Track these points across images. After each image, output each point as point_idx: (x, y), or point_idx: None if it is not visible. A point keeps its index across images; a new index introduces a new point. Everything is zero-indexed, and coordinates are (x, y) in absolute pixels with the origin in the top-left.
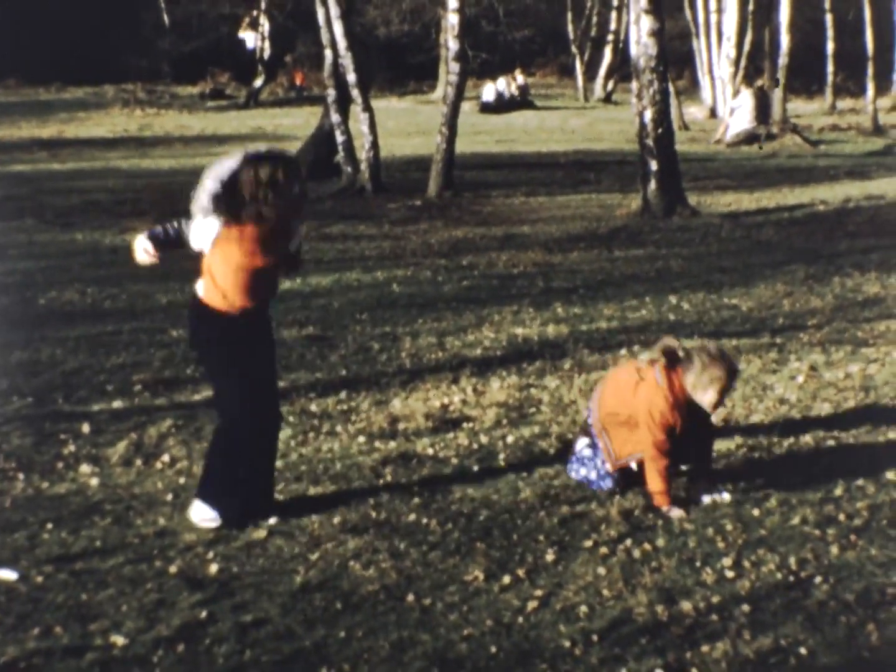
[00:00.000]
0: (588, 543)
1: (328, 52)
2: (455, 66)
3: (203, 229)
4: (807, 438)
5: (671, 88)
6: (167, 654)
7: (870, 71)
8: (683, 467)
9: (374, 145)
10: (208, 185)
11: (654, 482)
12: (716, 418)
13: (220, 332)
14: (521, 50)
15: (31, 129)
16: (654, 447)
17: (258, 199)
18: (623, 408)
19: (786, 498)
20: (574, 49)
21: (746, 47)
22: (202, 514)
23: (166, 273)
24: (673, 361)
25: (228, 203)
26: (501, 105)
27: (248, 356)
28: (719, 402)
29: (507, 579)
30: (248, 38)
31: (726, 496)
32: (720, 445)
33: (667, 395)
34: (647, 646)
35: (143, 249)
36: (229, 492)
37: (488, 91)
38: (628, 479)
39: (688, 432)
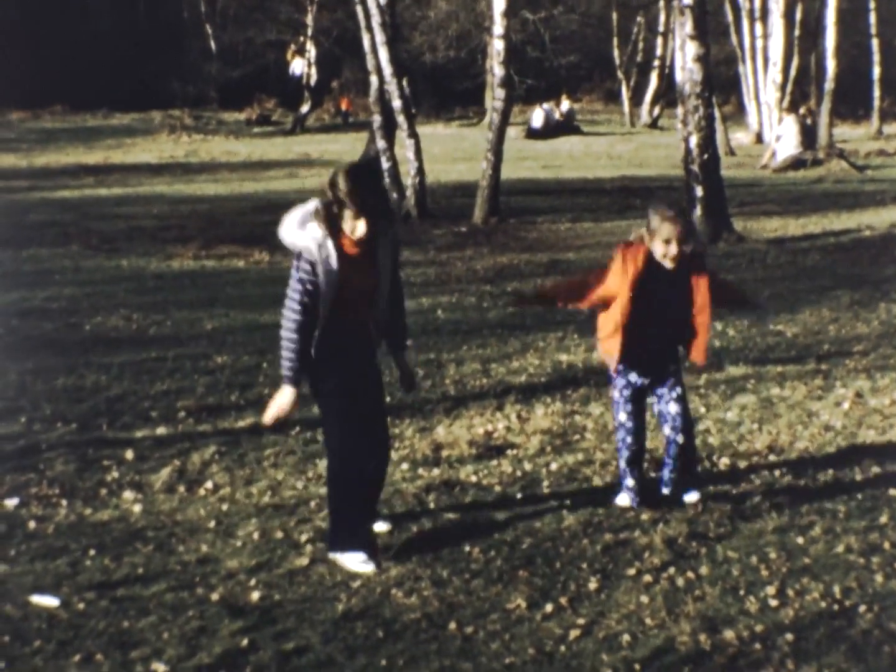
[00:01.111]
0: (631, 571)
1: (374, 79)
2: (500, 92)
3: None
4: (852, 466)
5: (717, 114)
6: None
7: None
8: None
9: (420, 171)
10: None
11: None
12: (669, 263)
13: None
14: (567, 75)
15: (77, 155)
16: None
17: (348, 208)
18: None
19: (830, 526)
20: (620, 74)
21: (792, 72)
22: (357, 560)
23: (212, 299)
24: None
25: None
26: (548, 130)
27: (349, 383)
28: (667, 254)
29: (549, 607)
30: (296, 64)
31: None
32: (767, 468)
33: (620, 248)
34: None
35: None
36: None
37: (536, 116)
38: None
39: (662, 299)
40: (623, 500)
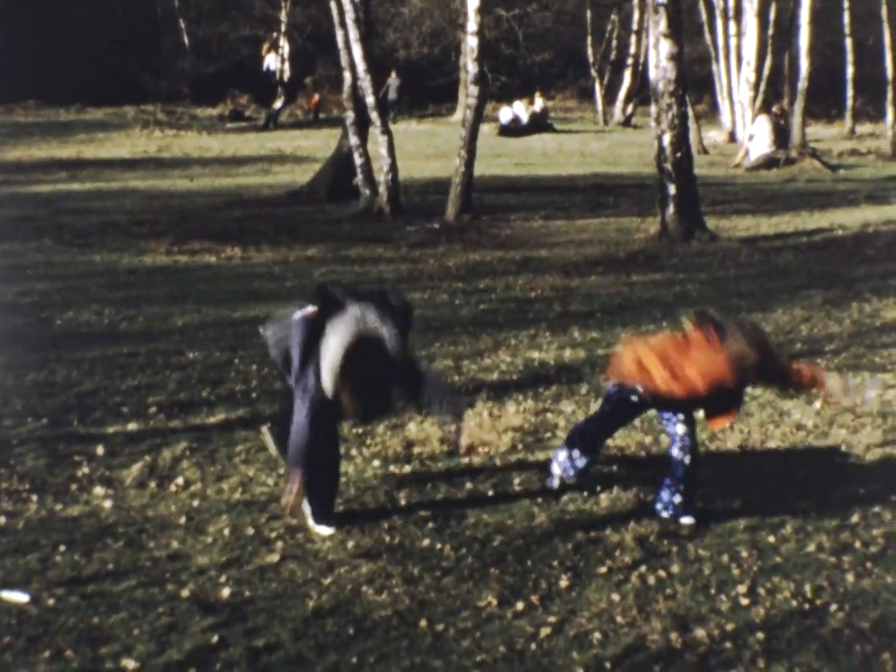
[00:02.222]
0: (602, 570)
1: (347, 75)
2: (474, 89)
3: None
4: (823, 465)
5: (690, 112)
6: None
7: (889, 95)
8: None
9: (393, 168)
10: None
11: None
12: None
13: None
14: (540, 73)
15: (50, 150)
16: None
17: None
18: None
19: (802, 525)
20: (594, 72)
21: (766, 71)
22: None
23: (184, 294)
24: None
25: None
26: (518, 129)
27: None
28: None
29: (520, 605)
30: (270, 60)
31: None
32: (738, 467)
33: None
34: None
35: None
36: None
37: (504, 114)
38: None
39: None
40: (559, 469)
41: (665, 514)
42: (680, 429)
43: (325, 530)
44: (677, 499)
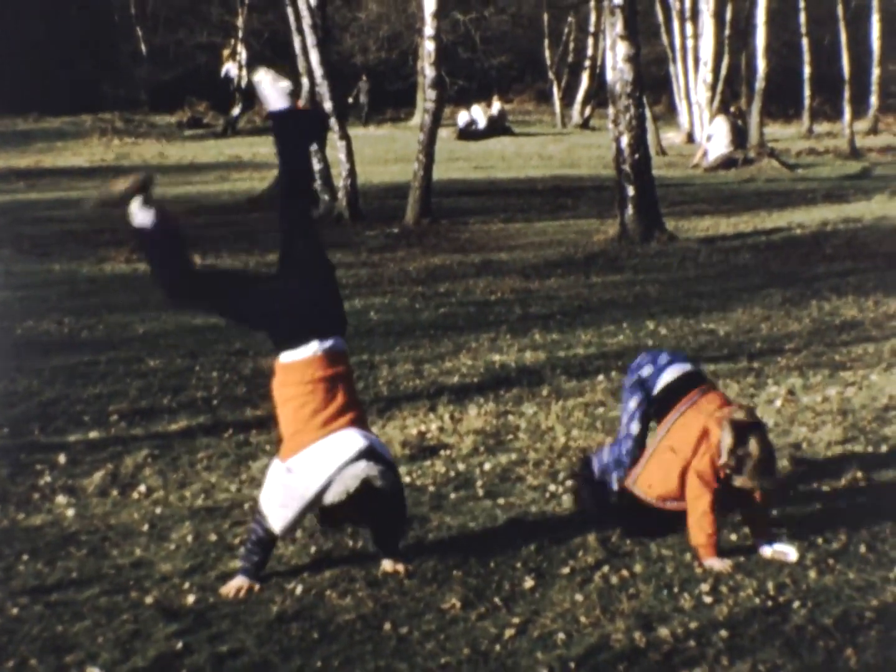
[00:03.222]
0: (565, 570)
1: (304, 81)
2: (431, 93)
3: None
4: (784, 463)
5: (648, 114)
6: None
7: (846, 95)
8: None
9: (352, 173)
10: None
11: (698, 535)
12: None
13: None
14: (498, 76)
15: (8, 160)
16: (702, 501)
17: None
18: (682, 447)
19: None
20: (551, 75)
21: (723, 72)
22: None
23: (144, 302)
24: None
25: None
26: (476, 132)
27: None
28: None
29: (484, 607)
30: (230, 67)
31: (792, 555)
32: None
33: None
34: None
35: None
36: None
37: (461, 117)
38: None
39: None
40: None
41: None
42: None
43: None
44: None
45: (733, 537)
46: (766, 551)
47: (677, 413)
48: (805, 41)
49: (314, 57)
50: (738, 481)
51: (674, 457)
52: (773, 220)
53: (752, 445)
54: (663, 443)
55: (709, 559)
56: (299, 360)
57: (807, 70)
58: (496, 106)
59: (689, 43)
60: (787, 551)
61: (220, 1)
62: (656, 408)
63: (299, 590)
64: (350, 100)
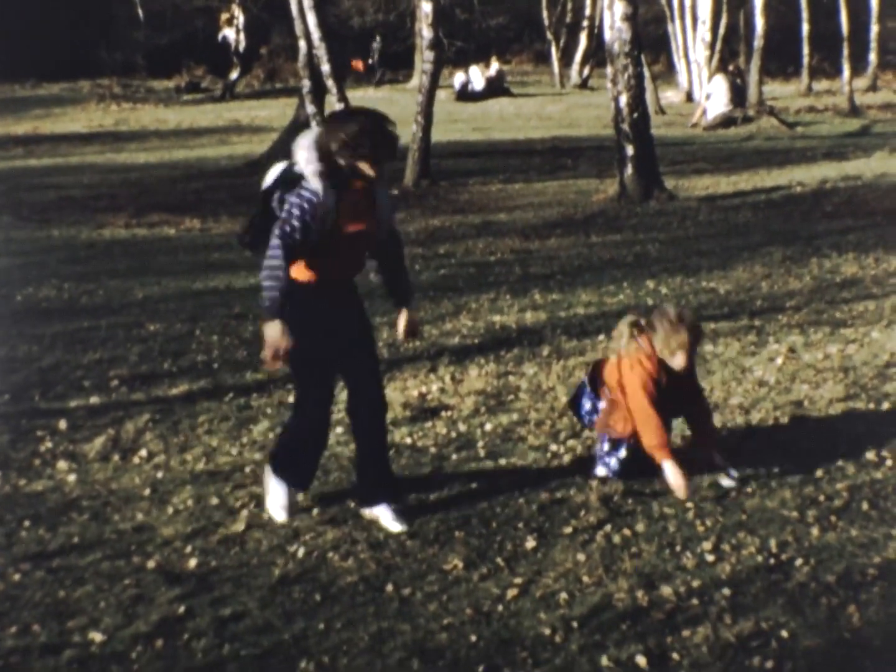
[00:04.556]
0: (567, 530)
1: (302, 43)
2: (429, 55)
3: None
4: (786, 420)
5: (646, 73)
6: (145, 650)
7: (845, 52)
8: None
9: None
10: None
11: (649, 436)
12: (679, 369)
13: (303, 307)
14: (496, 37)
15: (6, 126)
16: (641, 407)
17: (347, 156)
18: (611, 385)
19: (765, 480)
20: (549, 35)
21: (721, 30)
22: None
23: (143, 267)
24: (640, 331)
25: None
26: (475, 94)
27: (325, 336)
28: (688, 364)
29: (486, 568)
30: (227, 32)
31: (730, 480)
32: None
33: (647, 354)
34: (628, 632)
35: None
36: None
37: (457, 79)
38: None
39: (672, 393)
40: (602, 471)
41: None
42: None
43: (274, 493)
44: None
45: (735, 495)
46: (723, 481)
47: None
48: None
49: (311, 19)
50: (674, 361)
51: (613, 397)
52: (772, 179)
53: (660, 314)
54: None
55: (666, 460)
56: None
57: (805, 27)
58: (494, 67)
59: (687, 1)
60: (730, 477)
61: None
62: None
63: (301, 552)
64: (370, 61)
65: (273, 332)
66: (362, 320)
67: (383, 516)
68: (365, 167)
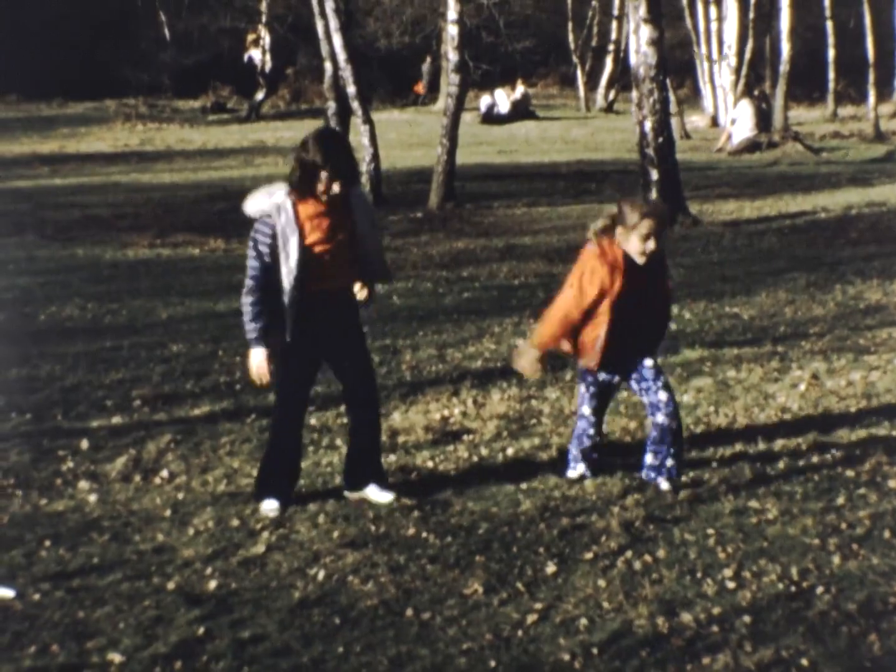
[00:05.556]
0: (588, 555)
1: (328, 65)
2: (455, 78)
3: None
4: (808, 447)
5: (672, 97)
6: None
7: (871, 78)
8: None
9: (375, 157)
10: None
11: (542, 328)
12: (641, 259)
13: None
14: (522, 60)
15: (32, 145)
16: (561, 299)
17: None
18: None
19: (787, 507)
20: (575, 59)
21: (747, 55)
22: (267, 506)
23: (167, 287)
24: (610, 226)
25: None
26: (500, 116)
27: (310, 346)
28: (645, 251)
29: (506, 592)
30: (254, 52)
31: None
32: (723, 451)
33: (594, 251)
34: (648, 658)
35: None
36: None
37: (483, 101)
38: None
39: (638, 290)
40: (576, 472)
41: (657, 478)
42: (662, 395)
43: (264, 507)
44: (669, 462)
45: (757, 522)
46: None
47: None
48: (829, 24)
49: (337, 41)
50: (640, 248)
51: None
52: (797, 204)
53: (628, 202)
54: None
55: (533, 347)
56: None
57: (831, 53)
58: (520, 90)
59: (713, 26)
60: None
61: None
62: None
63: (321, 575)
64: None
65: (256, 360)
66: (353, 326)
67: (371, 493)
68: (332, 186)
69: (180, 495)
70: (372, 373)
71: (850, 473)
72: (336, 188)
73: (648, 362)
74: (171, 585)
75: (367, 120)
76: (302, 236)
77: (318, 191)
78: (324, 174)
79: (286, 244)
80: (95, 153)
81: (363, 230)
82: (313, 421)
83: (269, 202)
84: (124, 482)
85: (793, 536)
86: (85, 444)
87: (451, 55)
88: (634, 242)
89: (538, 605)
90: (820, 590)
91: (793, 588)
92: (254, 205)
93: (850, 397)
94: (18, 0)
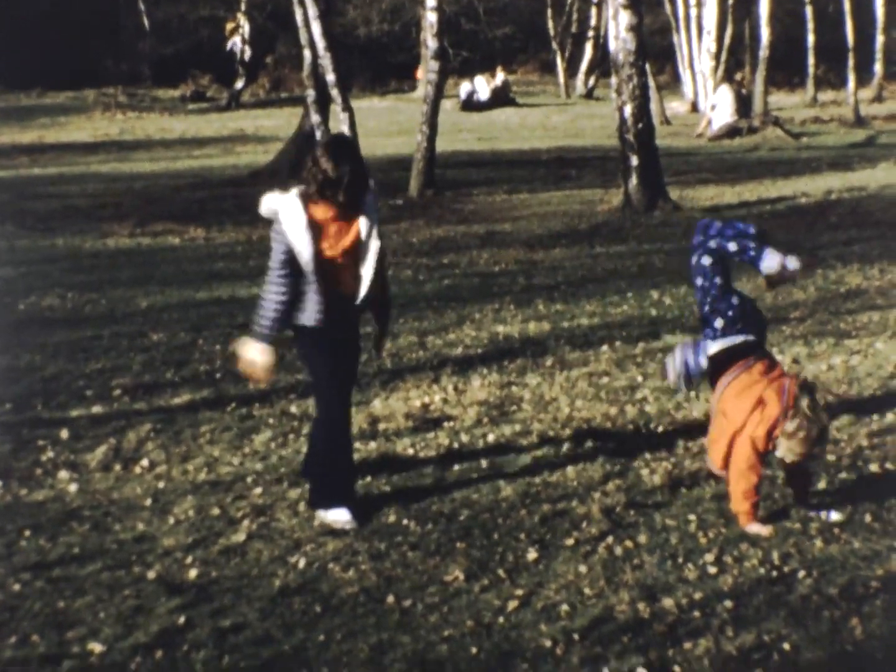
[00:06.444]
0: (569, 542)
1: (307, 53)
2: (434, 65)
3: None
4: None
5: (651, 83)
6: (145, 661)
7: (850, 62)
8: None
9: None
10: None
11: (739, 502)
12: None
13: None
14: (501, 47)
15: (11, 135)
16: (753, 469)
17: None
18: (734, 414)
19: (768, 492)
20: (555, 45)
21: (727, 41)
22: (339, 517)
23: (147, 277)
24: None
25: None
26: (480, 103)
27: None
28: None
29: (487, 579)
30: (235, 42)
31: (834, 515)
32: (702, 441)
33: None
34: (629, 644)
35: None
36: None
37: (463, 89)
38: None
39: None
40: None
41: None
42: None
43: (334, 516)
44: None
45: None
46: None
47: (731, 376)
48: (809, 9)
49: (316, 29)
50: (783, 449)
51: (724, 422)
52: (777, 189)
53: (819, 412)
54: (718, 406)
55: (751, 524)
56: None
57: (811, 38)
58: (499, 77)
59: (693, 12)
60: (831, 516)
61: None
62: (710, 370)
63: (302, 563)
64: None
65: (252, 352)
66: (355, 340)
67: (342, 517)
68: (341, 197)
69: (160, 484)
70: (351, 389)
71: (831, 458)
72: (343, 196)
73: None
74: (151, 575)
75: (347, 108)
76: (313, 240)
77: (327, 196)
78: (334, 181)
79: (298, 246)
80: (75, 143)
81: (364, 237)
82: (293, 409)
83: (280, 204)
84: (104, 471)
85: (774, 521)
86: (65, 433)
87: (431, 42)
88: (791, 447)
89: (519, 592)
90: (801, 574)
91: (774, 572)
92: (266, 206)
93: (830, 381)
94: None
